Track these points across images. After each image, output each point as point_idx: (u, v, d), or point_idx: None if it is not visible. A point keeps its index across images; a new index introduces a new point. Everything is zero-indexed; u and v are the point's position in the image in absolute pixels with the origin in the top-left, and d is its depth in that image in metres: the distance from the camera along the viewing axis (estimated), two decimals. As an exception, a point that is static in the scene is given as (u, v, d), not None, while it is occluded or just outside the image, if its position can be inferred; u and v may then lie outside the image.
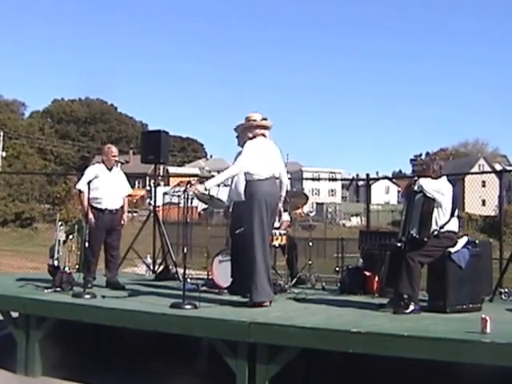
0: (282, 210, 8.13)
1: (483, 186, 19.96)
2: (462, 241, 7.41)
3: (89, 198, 8.89)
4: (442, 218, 7.23)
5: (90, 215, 8.87)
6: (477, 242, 7.95)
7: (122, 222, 9.38)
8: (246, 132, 7.62)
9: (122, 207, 9.39)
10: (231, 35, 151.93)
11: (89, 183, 8.80)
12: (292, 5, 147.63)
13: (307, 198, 10.43)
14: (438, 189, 7.23)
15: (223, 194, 9.00)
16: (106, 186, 8.97)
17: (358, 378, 6.95)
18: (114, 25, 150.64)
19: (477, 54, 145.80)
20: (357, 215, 56.79)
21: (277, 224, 9.02)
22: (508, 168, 57.26)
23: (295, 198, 9.86)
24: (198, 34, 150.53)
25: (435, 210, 7.21)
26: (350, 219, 57.95)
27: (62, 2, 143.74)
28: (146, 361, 7.85)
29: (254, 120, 7.61)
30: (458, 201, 7.35)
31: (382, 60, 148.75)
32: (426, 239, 7.13)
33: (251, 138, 7.54)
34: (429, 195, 7.18)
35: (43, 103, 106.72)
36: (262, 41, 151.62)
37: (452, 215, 7.26)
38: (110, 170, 9.20)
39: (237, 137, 8.33)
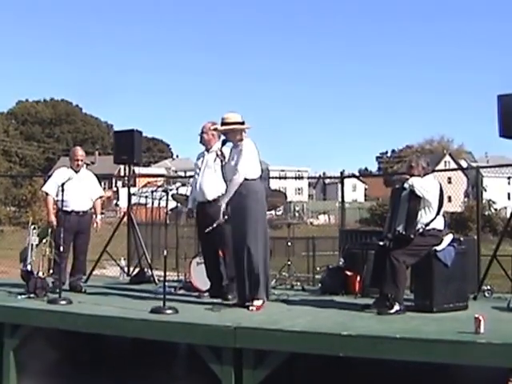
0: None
1: (449, 182, 20.00)
2: (448, 239, 7.32)
3: (56, 201, 8.91)
4: (429, 215, 7.14)
5: (52, 218, 8.90)
6: (461, 239, 7.88)
7: (95, 225, 9.31)
8: (235, 133, 7.49)
9: (92, 210, 9.28)
10: (196, 34, 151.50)
11: (58, 186, 8.70)
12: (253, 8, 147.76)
13: (286, 196, 10.35)
14: (427, 187, 7.14)
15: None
16: (72, 187, 8.80)
17: (343, 381, 6.79)
18: (80, 26, 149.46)
19: (440, 53, 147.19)
20: (324, 213, 56.89)
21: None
22: (473, 164, 58.09)
23: (274, 197, 9.73)
24: (162, 34, 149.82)
25: (421, 207, 7.11)
26: (317, 217, 57.95)
27: (27, 3, 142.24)
28: (124, 367, 7.62)
29: (243, 122, 7.51)
30: (444, 199, 7.26)
31: (346, 59, 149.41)
32: (412, 236, 7.03)
33: (241, 139, 7.47)
34: (418, 194, 7.07)
35: (7, 105, 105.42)
36: (225, 40, 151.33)
37: (438, 213, 7.17)
38: (77, 172, 9.11)
39: (201, 134, 8.28)
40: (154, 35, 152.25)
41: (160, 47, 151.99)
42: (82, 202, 9.06)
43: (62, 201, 8.61)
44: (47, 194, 9.07)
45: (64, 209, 8.84)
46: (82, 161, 9.17)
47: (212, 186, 8.00)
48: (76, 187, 8.87)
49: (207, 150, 8.24)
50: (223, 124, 7.51)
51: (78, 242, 9.09)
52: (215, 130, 7.81)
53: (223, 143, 7.60)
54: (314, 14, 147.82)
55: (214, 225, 7.58)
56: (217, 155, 7.68)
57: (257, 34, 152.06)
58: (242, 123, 7.49)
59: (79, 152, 9.19)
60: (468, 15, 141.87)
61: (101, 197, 9.52)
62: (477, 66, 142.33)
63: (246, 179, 7.31)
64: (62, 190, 8.47)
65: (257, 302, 7.23)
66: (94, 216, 9.35)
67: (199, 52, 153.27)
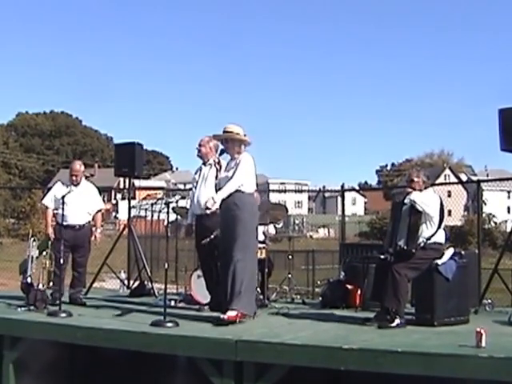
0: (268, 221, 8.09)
1: (449, 196, 20.01)
2: (449, 252, 7.31)
3: (54, 214, 9.07)
4: (430, 229, 7.13)
5: (50, 230, 9.02)
6: (462, 253, 7.85)
7: (93, 238, 9.31)
8: (235, 144, 7.42)
9: (92, 223, 9.31)
10: (192, 47, 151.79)
11: (57, 199, 8.86)
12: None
13: (287, 210, 10.34)
14: (428, 201, 7.14)
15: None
16: (70, 202, 8.83)
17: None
18: (79, 40, 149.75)
19: (441, 66, 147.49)
20: (324, 227, 56.85)
21: (261, 237, 8.95)
22: (473, 178, 58.08)
23: (275, 210, 9.73)
24: (161, 48, 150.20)
25: (422, 221, 7.10)
26: (317, 231, 57.88)
27: (23, 15, 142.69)
28: (124, 380, 7.58)
29: (245, 135, 7.46)
30: (444, 212, 7.24)
31: (347, 71, 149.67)
32: (413, 251, 7.01)
33: (239, 152, 7.40)
34: (419, 209, 7.06)
35: (7, 116, 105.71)
36: (224, 53, 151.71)
37: (439, 227, 7.15)
38: (75, 185, 9.15)
39: (199, 147, 8.27)
40: (154, 49, 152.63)
41: (160, 60, 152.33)
42: (78, 217, 9.08)
43: (62, 215, 8.72)
44: (46, 207, 9.18)
45: (60, 222, 8.94)
46: (77, 176, 9.18)
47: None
48: (73, 201, 8.88)
49: (204, 163, 8.24)
50: (224, 133, 7.47)
51: (76, 256, 9.12)
52: (214, 136, 7.75)
53: (221, 153, 7.55)
54: (315, 25, 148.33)
55: (212, 236, 7.53)
56: (214, 163, 7.61)
57: (257, 47, 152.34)
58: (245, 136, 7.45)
59: (75, 167, 9.22)
60: (469, 29, 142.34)
61: (100, 210, 9.52)
62: (477, 79, 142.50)
63: (242, 192, 7.22)
64: (62, 204, 8.52)
65: (230, 313, 6.98)
66: (94, 229, 9.36)
67: (199, 65, 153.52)
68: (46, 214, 9.22)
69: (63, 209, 8.71)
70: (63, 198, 8.50)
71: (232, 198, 7.23)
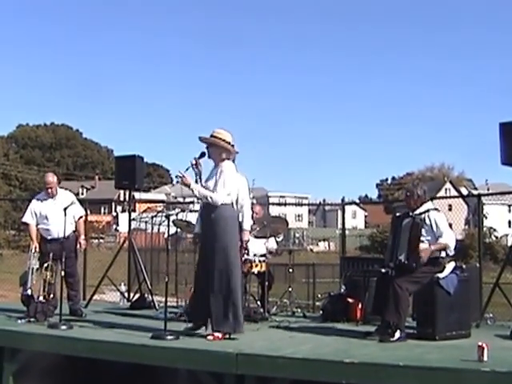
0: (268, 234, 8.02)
1: (450, 209, 19.94)
2: (450, 266, 7.30)
3: (38, 229, 9.16)
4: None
5: (32, 245, 8.99)
6: (464, 267, 7.85)
7: (78, 245, 9.27)
8: (220, 151, 7.28)
9: (75, 232, 9.26)
10: (191, 56, 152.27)
11: (35, 215, 9.09)
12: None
13: (287, 223, 10.31)
14: (427, 216, 7.12)
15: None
16: (50, 215, 8.99)
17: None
18: (76, 51, 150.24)
19: (443, 77, 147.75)
20: (324, 240, 56.77)
21: (263, 250, 8.93)
22: (474, 192, 58.14)
23: (275, 223, 9.71)
24: (158, 62, 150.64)
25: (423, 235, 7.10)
26: (317, 244, 57.80)
27: (23, 26, 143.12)
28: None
29: (233, 145, 7.34)
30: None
31: (344, 85, 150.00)
32: (414, 265, 6.98)
33: (223, 159, 7.26)
34: (418, 222, 7.05)
35: (8, 128, 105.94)
36: (220, 62, 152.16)
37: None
38: (52, 197, 9.16)
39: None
40: (155, 63, 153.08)
41: (161, 73, 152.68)
42: (59, 228, 8.93)
43: (45, 229, 8.96)
44: (27, 223, 9.20)
45: (46, 237, 9.06)
46: (51, 188, 9.15)
47: None
48: (53, 214, 8.95)
49: None
50: (211, 137, 7.32)
51: (66, 267, 8.94)
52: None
53: (201, 156, 7.34)
54: (318, 46, 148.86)
55: None
56: (191, 165, 7.34)
57: (257, 58, 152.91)
58: (233, 146, 7.32)
59: (48, 179, 9.20)
60: (473, 40, 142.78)
61: (81, 216, 9.44)
62: (478, 93, 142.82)
63: (220, 204, 7.08)
64: (46, 219, 8.79)
65: (216, 334, 6.93)
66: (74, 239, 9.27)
67: (200, 78, 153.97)
68: (29, 230, 9.19)
69: (44, 224, 8.94)
70: (42, 212, 8.71)
71: (209, 210, 7.15)
